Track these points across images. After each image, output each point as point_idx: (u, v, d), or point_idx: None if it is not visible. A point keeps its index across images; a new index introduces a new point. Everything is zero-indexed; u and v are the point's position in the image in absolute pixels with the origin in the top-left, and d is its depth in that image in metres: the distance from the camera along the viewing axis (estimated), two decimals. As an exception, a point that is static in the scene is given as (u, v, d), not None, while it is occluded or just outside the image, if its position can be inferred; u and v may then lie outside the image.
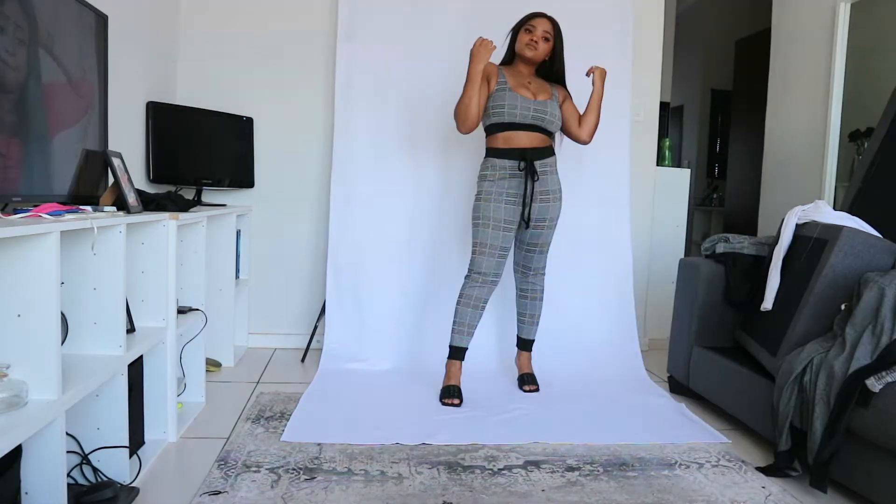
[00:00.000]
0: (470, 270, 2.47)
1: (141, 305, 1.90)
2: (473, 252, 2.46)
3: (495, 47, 2.35)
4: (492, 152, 2.46)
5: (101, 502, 1.50)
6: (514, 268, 2.64)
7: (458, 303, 2.48)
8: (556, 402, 2.46)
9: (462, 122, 2.39)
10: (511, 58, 2.52)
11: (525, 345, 2.67)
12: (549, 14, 2.46)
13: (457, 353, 2.49)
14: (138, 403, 1.87)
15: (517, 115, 2.38)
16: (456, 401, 2.41)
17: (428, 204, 3.05)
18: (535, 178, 2.43)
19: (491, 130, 2.46)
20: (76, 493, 1.49)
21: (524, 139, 2.42)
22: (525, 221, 2.46)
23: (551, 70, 2.52)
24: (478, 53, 2.32)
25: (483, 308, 2.49)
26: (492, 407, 2.37)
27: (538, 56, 2.44)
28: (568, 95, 2.56)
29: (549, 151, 2.49)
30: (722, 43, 5.74)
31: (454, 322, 2.48)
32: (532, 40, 2.41)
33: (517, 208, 2.44)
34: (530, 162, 2.41)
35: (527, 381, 2.61)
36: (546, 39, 2.43)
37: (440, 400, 2.44)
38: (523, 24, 2.45)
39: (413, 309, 2.99)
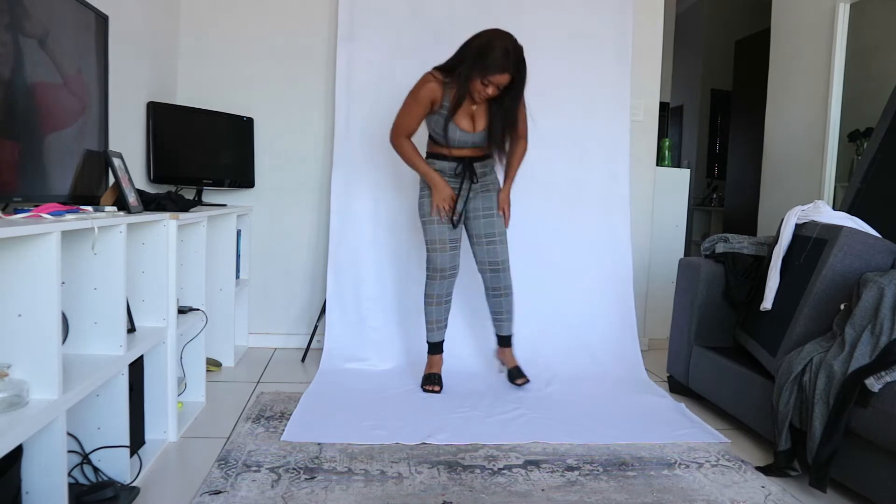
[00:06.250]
0: (428, 269, 2.57)
1: (141, 305, 1.91)
2: (427, 250, 2.55)
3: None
4: (432, 155, 2.52)
5: (102, 502, 1.50)
6: (479, 268, 2.62)
7: (425, 303, 2.61)
8: (555, 402, 2.46)
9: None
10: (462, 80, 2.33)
11: (506, 341, 2.69)
12: (518, 64, 2.26)
13: (435, 349, 2.65)
14: (139, 403, 1.87)
15: (455, 142, 2.43)
16: (437, 387, 2.55)
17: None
18: (475, 180, 2.51)
19: (432, 138, 2.52)
20: (77, 492, 1.49)
21: (465, 152, 2.48)
22: (461, 215, 2.52)
23: (502, 104, 2.36)
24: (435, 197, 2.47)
25: (449, 301, 2.62)
26: (492, 407, 2.37)
27: (481, 101, 2.36)
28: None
29: (487, 155, 2.53)
30: (722, 43, 5.75)
31: (426, 322, 2.63)
32: (485, 93, 2.30)
33: (459, 201, 2.52)
34: (469, 164, 2.49)
35: (516, 374, 2.65)
36: (497, 88, 2.29)
37: (422, 387, 2.57)
38: (485, 75, 2.25)
39: (413, 309, 2.99)
